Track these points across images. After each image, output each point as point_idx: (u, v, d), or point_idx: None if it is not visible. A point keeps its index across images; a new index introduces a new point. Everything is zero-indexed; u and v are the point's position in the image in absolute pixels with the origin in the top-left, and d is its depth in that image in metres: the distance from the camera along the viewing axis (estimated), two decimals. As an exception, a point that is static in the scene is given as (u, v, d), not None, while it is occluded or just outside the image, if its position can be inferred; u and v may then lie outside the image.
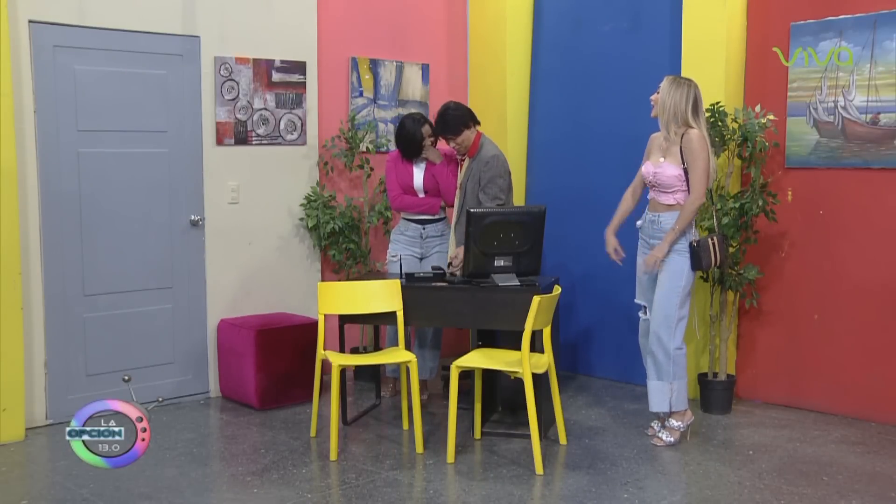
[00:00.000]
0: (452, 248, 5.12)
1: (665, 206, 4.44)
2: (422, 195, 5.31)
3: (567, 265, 5.95)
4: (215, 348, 5.50)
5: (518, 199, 6.05)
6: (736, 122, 4.93)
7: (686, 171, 4.36)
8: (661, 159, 4.45)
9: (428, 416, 5.02)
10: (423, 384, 5.37)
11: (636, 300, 4.66)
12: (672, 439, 4.54)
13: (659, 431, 4.59)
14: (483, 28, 6.43)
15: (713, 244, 4.43)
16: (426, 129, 5.24)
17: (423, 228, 5.34)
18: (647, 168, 4.53)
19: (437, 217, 5.35)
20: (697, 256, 4.39)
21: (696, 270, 4.44)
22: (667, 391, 4.46)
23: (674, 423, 4.56)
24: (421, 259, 5.36)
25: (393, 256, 5.29)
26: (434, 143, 5.31)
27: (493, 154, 5.08)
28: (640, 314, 4.66)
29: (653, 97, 4.50)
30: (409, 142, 5.24)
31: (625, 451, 4.48)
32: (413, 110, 6.33)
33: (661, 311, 4.43)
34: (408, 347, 5.10)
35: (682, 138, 4.37)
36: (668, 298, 4.42)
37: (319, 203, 5.75)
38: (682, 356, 4.47)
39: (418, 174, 5.31)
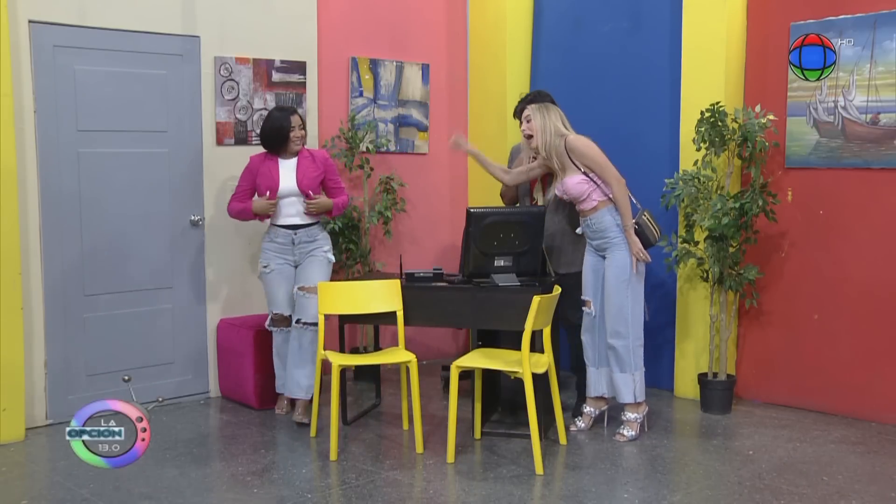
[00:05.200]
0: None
1: (591, 211, 4.59)
2: (294, 199, 4.93)
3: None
4: (215, 348, 5.50)
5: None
6: (736, 122, 4.92)
7: (586, 174, 4.52)
8: (561, 178, 4.61)
9: (428, 416, 5.02)
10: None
11: (582, 296, 4.75)
12: (633, 433, 4.61)
13: (622, 428, 4.64)
14: (483, 28, 6.43)
15: (648, 219, 4.58)
16: (296, 119, 4.93)
17: (295, 234, 4.96)
18: (557, 191, 4.68)
19: (309, 222, 5.00)
20: (643, 235, 4.53)
21: (648, 248, 4.55)
22: (630, 382, 4.59)
23: (631, 415, 4.64)
24: (296, 267, 5.00)
25: (265, 267, 4.97)
26: (303, 140, 4.99)
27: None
28: (584, 308, 4.74)
29: (526, 127, 4.66)
30: (277, 132, 4.89)
31: (625, 450, 4.48)
32: (413, 110, 6.34)
33: (613, 306, 4.57)
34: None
35: (565, 149, 4.56)
36: (617, 293, 4.55)
37: (319, 203, 5.74)
38: (640, 348, 4.62)
39: (287, 174, 4.93)
